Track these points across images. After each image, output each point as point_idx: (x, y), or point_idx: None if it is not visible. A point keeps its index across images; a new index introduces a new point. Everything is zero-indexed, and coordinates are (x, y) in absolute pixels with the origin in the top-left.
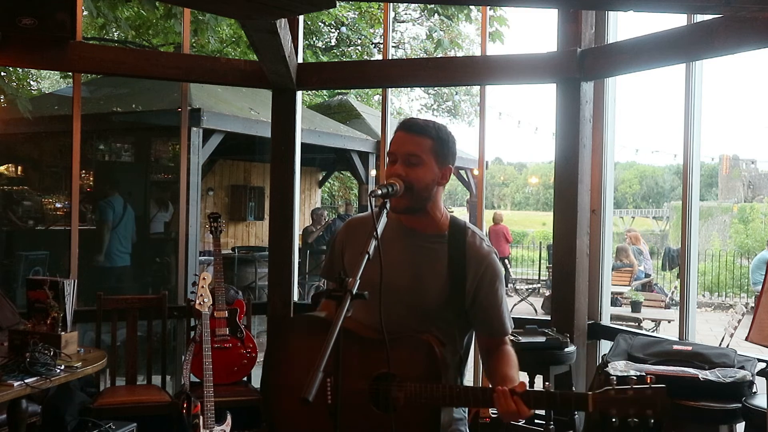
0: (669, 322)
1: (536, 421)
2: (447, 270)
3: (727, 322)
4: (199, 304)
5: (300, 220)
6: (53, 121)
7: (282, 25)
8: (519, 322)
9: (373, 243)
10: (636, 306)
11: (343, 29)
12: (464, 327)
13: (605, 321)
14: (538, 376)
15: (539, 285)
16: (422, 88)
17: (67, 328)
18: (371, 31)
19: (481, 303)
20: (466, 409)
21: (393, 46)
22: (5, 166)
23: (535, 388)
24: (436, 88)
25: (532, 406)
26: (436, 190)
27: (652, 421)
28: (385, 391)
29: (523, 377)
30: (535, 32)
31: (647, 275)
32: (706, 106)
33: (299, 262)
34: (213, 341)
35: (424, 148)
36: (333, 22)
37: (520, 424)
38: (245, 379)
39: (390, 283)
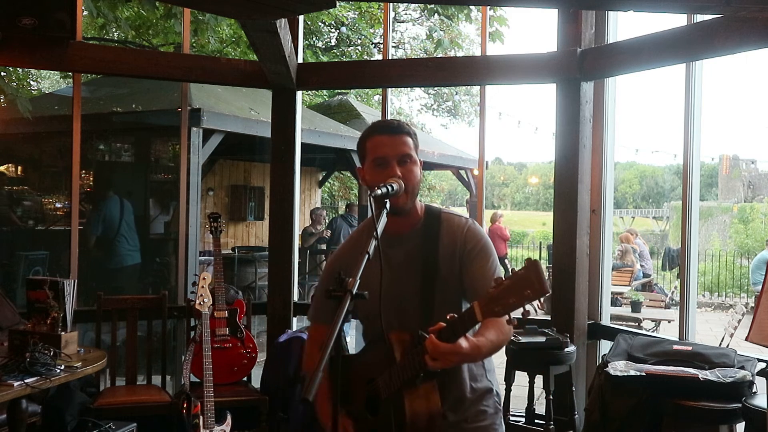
0: (669, 322)
1: (536, 421)
2: (419, 256)
3: (727, 322)
4: (199, 304)
5: (300, 220)
6: (53, 121)
7: (282, 25)
8: (519, 322)
9: (373, 243)
10: (636, 306)
11: (343, 29)
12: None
13: (605, 321)
14: (538, 376)
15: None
16: (422, 88)
17: (67, 328)
18: (371, 31)
19: (467, 271)
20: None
21: (393, 46)
22: (5, 166)
23: (443, 324)
24: (436, 88)
25: (444, 339)
26: None
27: (539, 301)
28: (371, 396)
29: (523, 377)
30: (535, 32)
31: (646, 275)
32: (706, 106)
33: (299, 262)
34: (213, 341)
35: (411, 147)
36: (333, 22)
37: (520, 424)
38: (245, 379)
39: (375, 292)
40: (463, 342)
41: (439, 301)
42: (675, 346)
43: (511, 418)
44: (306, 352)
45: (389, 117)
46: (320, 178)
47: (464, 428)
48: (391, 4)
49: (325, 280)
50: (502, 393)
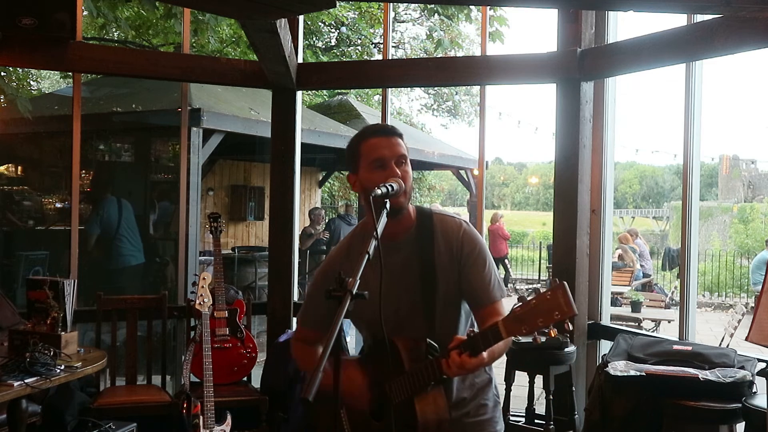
0: (669, 322)
1: (536, 421)
2: (416, 263)
3: (727, 322)
4: (199, 304)
5: (300, 220)
6: (53, 121)
7: (282, 25)
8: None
9: (373, 243)
10: (636, 306)
11: (343, 29)
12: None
13: (605, 321)
14: (538, 376)
15: (539, 285)
16: (422, 88)
17: (67, 328)
18: (371, 31)
19: (465, 276)
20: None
21: (393, 46)
22: (5, 166)
23: (463, 337)
24: (436, 88)
25: (464, 352)
26: None
27: (568, 323)
28: (378, 401)
29: (523, 377)
30: (535, 32)
31: (646, 275)
32: (706, 106)
33: (299, 262)
34: (213, 341)
35: (405, 148)
36: (333, 22)
37: (520, 424)
38: (245, 379)
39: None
40: (484, 355)
41: (441, 307)
42: (675, 346)
43: (511, 418)
44: (294, 352)
45: (388, 117)
46: (320, 178)
47: (465, 423)
48: (391, 4)
49: (317, 285)
50: (502, 393)
